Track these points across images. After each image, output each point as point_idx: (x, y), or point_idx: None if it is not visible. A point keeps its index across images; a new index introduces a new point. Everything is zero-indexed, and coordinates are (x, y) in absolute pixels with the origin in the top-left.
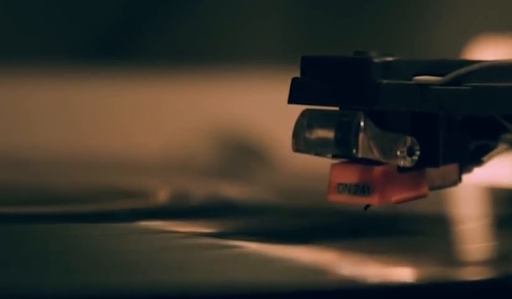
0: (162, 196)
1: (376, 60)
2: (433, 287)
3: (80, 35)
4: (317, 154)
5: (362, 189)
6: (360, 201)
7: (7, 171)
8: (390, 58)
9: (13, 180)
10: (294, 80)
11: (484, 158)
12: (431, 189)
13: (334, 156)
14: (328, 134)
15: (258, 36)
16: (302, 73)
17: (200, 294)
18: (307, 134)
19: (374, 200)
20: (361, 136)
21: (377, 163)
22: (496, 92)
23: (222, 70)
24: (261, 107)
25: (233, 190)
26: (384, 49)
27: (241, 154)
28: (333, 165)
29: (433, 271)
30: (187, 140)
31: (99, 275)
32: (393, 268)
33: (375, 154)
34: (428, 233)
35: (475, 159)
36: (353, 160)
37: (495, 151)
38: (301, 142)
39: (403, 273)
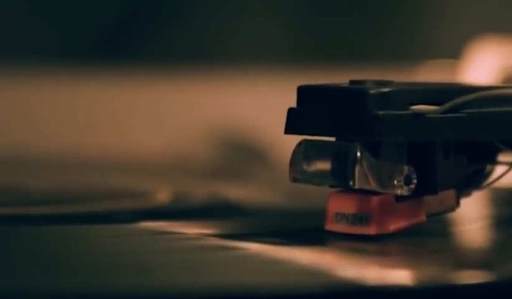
0: (162, 197)
1: (372, 91)
2: (433, 289)
3: (80, 34)
4: (314, 184)
5: (360, 218)
6: (358, 231)
7: (7, 171)
8: (386, 89)
9: (13, 181)
10: (290, 110)
11: (483, 184)
12: (429, 215)
13: (331, 186)
14: (325, 165)
15: (258, 36)
16: (298, 102)
17: (200, 295)
18: (304, 166)
19: (371, 230)
20: (358, 167)
21: (375, 192)
22: (492, 117)
23: (222, 70)
24: (261, 107)
25: (233, 191)
26: (382, 77)
27: (241, 154)
28: (331, 194)
29: (433, 273)
30: (187, 140)
31: (100, 276)
32: (393, 270)
33: (372, 185)
34: (429, 234)
35: (473, 183)
36: (350, 189)
37: (493, 175)
38: (298, 172)
39: (403, 275)
